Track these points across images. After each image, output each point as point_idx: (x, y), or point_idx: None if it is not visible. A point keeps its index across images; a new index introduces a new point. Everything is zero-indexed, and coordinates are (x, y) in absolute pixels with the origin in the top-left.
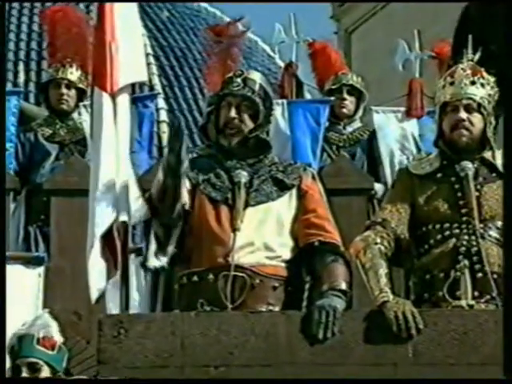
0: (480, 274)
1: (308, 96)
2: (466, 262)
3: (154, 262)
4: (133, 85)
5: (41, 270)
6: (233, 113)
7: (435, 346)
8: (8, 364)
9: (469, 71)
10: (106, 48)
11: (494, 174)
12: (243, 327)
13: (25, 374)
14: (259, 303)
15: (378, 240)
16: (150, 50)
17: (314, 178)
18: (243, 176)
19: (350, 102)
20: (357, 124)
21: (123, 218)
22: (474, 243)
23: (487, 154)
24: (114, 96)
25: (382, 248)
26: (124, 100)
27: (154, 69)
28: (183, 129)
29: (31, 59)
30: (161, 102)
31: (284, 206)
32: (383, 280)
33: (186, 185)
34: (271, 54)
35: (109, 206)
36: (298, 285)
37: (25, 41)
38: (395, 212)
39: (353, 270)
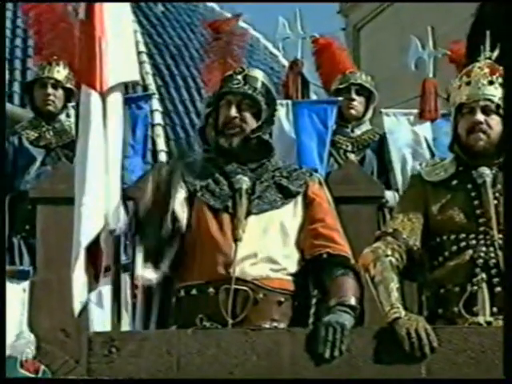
0: (498, 289)
1: (314, 96)
2: (484, 276)
3: (144, 278)
4: (125, 85)
5: (26, 284)
6: (233, 111)
7: (450, 365)
8: None
9: (486, 70)
10: (95, 43)
11: None
12: (244, 345)
13: None
14: (263, 319)
15: (389, 252)
16: (143, 48)
17: (320, 184)
18: (244, 182)
19: (358, 102)
20: (366, 126)
21: (112, 226)
22: (493, 255)
23: None
24: (103, 95)
25: (393, 260)
26: (116, 100)
27: (148, 68)
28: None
29: (15, 57)
30: (155, 104)
31: (289, 215)
32: (394, 295)
33: (180, 198)
34: (274, 51)
35: (96, 213)
36: (304, 299)
37: (9, 38)
38: (407, 222)
39: (364, 284)
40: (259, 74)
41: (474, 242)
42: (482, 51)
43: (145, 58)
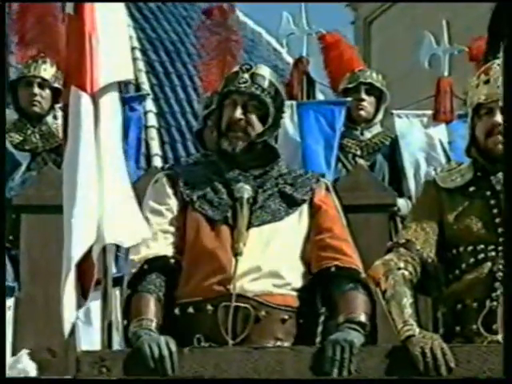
0: None
1: (321, 97)
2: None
3: None
4: (118, 84)
5: (10, 301)
6: (238, 113)
7: None
8: None
9: None
10: (84, 40)
11: None
12: (244, 365)
13: None
14: (265, 338)
15: (402, 264)
16: (136, 43)
17: (328, 189)
18: (246, 191)
19: (368, 102)
20: (376, 129)
21: (108, 240)
22: None
23: None
24: (94, 97)
25: (406, 274)
26: (110, 101)
27: (141, 65)
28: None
29: None
30: (149, 104)
31: (293, 226)
32: (408, 311)
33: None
34: (278, 47)
35: (88, 224)
36: (311, 317)
37: None
38: (421, 232)
39: (375, 299)
40: (267, 72)
41: (493, 253)
42: (501, 48)
43: (138, 54)
